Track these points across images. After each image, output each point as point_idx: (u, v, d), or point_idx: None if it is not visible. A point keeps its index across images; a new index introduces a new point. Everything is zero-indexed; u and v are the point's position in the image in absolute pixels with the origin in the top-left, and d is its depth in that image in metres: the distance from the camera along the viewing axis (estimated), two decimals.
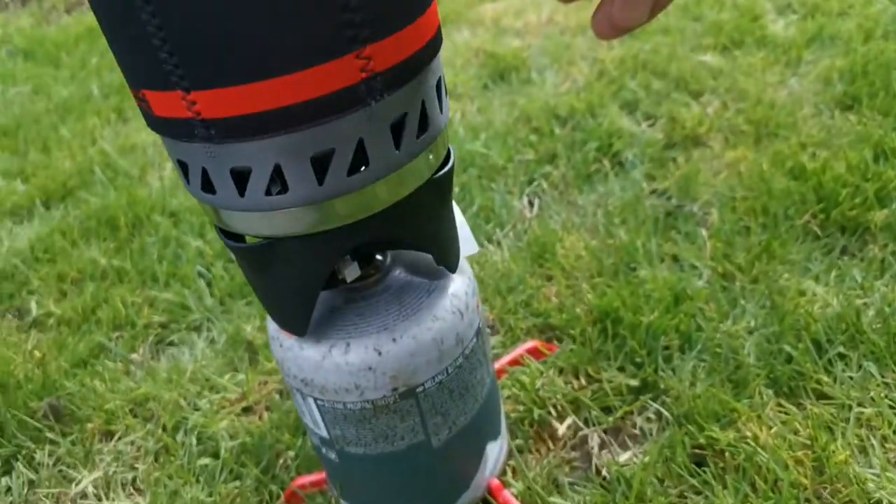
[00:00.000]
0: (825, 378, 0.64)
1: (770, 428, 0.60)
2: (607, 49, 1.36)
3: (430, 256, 0.52)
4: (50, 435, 0.74)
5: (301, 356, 0.49)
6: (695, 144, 1.03)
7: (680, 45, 1.32)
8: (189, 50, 0.33)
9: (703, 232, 0.84)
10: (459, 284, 0.52)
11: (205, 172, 0.39)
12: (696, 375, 0.66)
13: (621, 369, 0.69)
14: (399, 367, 0.48)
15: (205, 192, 0.40)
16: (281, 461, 0.68)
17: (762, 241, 0.79)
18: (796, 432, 0.60)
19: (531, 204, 0.97)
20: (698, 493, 0.57)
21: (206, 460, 0.68)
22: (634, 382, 0.67)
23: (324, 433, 0.53)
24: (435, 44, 0.40)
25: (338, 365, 0.48)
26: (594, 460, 0.62)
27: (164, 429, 0.73)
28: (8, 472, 0.72)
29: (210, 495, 0.65)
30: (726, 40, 1.32)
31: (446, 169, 0.45)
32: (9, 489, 0.70)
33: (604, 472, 0.60)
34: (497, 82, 1.34)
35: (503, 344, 0.75)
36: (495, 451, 0.60)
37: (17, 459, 0.73)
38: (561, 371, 0.71)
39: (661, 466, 0.59)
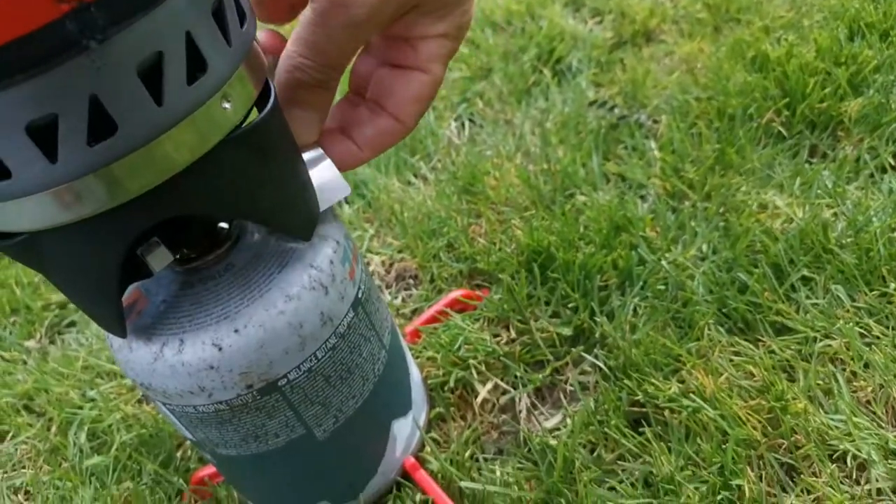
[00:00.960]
0: (785, 308, 0.55)
1: (720, 375, 0.52)
2: None
3: None
4: None
5: (132, 359, 0.41)
6: (646, 41, 0.91)
7: None
8: None
9: (652, 144, 0.74)
10: (323, 253, 0.42)
11: None
12: (637, 319, 0.57)
13: (555, 316, 0.60)
14: (248, 363, 0.39)
15: None
16: (181, 452, 0.61)
17: (716, 149, 0.69)
18: (751, 376, 0.52)
19: (462, 128, 0.86)
20: (636, 456, 0.49)
21: (97, 459, 0.61)
22: (567, 331, 0.58)
23: (189, 436, 0.45)
24: None
25: (173, 366, 0.39)
26: (522, 426, 0.54)
27: (55, 426, 0.65)
28: None
29: (98, 500, 0.58)
30: None
31: (261, 116, 0.35)
32: None
33: (529, 443, 0.53)
34: None
35: (426, 297, 0.66)
36: (406, 429, 0.52)
37: None
38: (489, 322, 0.62)
39: (595, 430, 0.51)
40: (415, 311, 0.66)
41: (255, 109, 0.35)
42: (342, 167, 0.41)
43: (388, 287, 0.70)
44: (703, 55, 0.84)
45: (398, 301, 0.67)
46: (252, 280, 0.41)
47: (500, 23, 1.01)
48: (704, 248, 0.61)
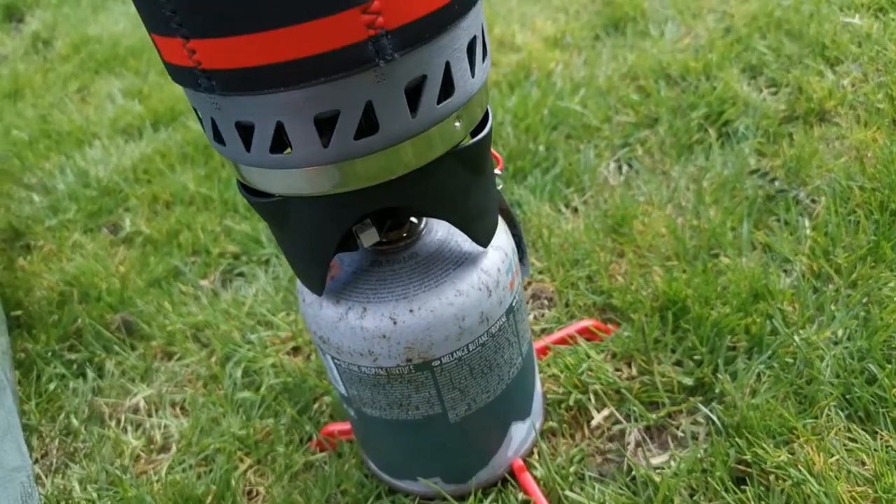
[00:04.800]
0: None
1: (831, 455, 0.53)
2: (740, 2, 1.22)
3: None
4: (120, 347, 0.79)
5: (320, 314, 0.48)
6: (819, 120, 0.92)
7: (826, 3, 1.17)
8: None
9: (806, 222, 0.75)
10: (492, 260, 0.48)
11: (213, 123, 0.38)
12: (759, 384, 0.60)
13: (678, 364, 0.64)
14: (414, 340, 0.46)
15: (216, 143, 0.39)
16: (317, 405, 0.69)
17: (872, 241, 0.70)
18: (862, 464, 0.53)
19: (619, 171, 0.91)
20: None
21: (247, 394, 0.70)
22: (688, 381, 0.61)
23: (343, 391, 0.53)
24: (462, 2, 0.36)
25: (353, 328, 0.47)
26: (627, 457, 0.58)
27: (216, 358, 0.75)
28: (80, 375, 0.78)
29: (244, 428, 0.66)
30: (885, 0, 1.15)
31: (478, 138, 0.42)
32: (75, 391, 0.75)
33: (634, 473, 0.56)
34: (610, 33, 1.24)
35: (558, 319, 0.71)
36: (521, 432, 0.58)
37: (90, 365, 0.78)
38: (613, 356, 0.66)
39: (697, 477, 0.54)
40: (544, 331, 0.71)
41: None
42: None
43: None
44: (875, 145, 0.84)
45: (531, 318, 0.73)
46: (430, 271, 0.48)
47: (674, 77, 1.04)
48: (840, 332, 0.62)
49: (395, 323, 0.46)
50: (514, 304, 0.51)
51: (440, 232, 0.50)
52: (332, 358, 0.50)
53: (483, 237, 0.47)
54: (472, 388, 0.51)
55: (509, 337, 0.51)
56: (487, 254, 0.48)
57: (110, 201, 1.05)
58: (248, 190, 0.42)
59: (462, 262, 0.48)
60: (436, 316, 0.46)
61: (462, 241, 0.49)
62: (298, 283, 0.51)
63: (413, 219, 0.51)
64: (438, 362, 0.48)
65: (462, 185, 0.43)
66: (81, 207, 1.05)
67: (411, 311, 0.46)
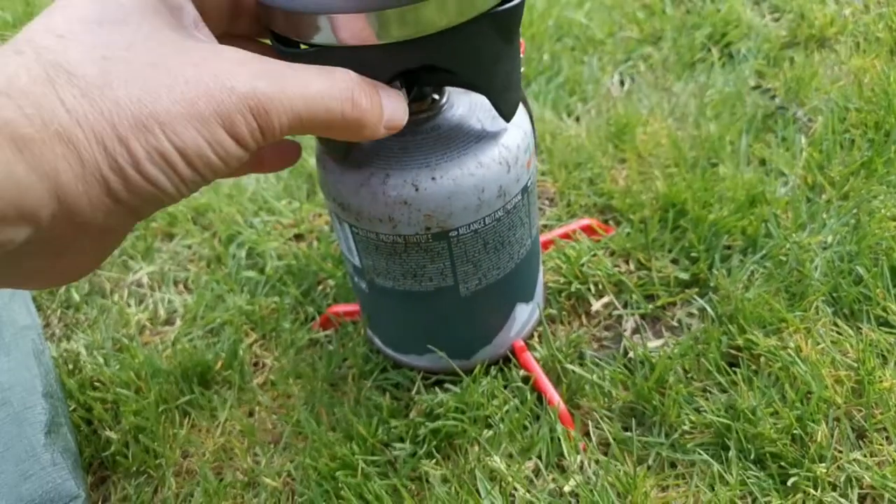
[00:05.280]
0: (893, 306, 0.59)
1: (818, 344, 0.57)
2: None
3: (488, 106, 0.50)
4: None
5: (341, 180, 0.49)
6: (819, 46, 0.93)
7: None
8: None
9: (803, 139, 0.77)
10: (513, 136, 0.49)
11: None
12: (752, 280, 0.62)
13: (675, 262, 0.66)
14: (434, 207, 0.47)
15: None
16: (320, 288, 0.70)
17: (865, 157, 0.72)
18: (845, 353, 0.56)
19: (622, 84, 0.91)
20: (724, 391, 0.55)
21: (251, 273, 0.71)
22: (684, 276, 0.64)
23: (357, 261, 0.54)
24: None
25: (375, 194, 0.48)
26: (624, 342, 0.61)
27: (219, 239, 0.76)
28: None
29: (250, 304, 0.68)
30: None
31: (514, 4, 0.42)
32: None
33: (630, 354, 0.59)
34: None
35: (559, 217, 0.73)
36: (524, 315, 0.60)
37: None
38: (612, 253, 0.68)
39: (690, 359, 0.57)
40: (545, 227, 0.73)
41: None
42: None
43: None
44: (873, 71, 0.86)
45: None
46: (452, 143, 0.49)
47: None
48: (830, 238, 0.65)
49: (416, 189, 0.47)
50: (528, 185, 0.52)
51: (461, 108, 0.51)
52: (351, 226, 0.51)
53: (507, 110, 0.48)
54: (484, 263, 0.52)
55: (522, 216, 0.53)
56: (508, 130, 0.49)
57: None
58: (279, 40, 0.42)
59: (483, 137, 0.49)
60: (457, 185, 0.47)
61: (482, 118, 0.50)
62: (317, 150, 0.52)
63: (435, 95, 0.51)
64: (455, 233, 0.49)
65: (493, 52, 0.43)
66: None
67: (433, 178, 0.47)
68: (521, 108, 0.52)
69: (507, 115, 0.48)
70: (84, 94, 0.25)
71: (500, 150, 0.48)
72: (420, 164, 0.48)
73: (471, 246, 0.51)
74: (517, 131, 0.50)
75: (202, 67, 0.28)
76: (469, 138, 0.49)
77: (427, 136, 0.49)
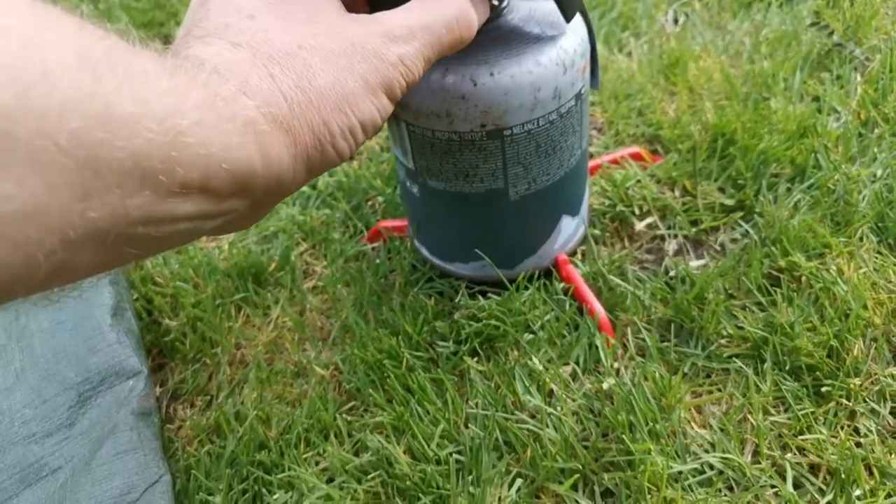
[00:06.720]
0: None
1: (860, 268, 0.57)
2: None
3: (546, 13, 0.51)
4: None
5: None
6: None
7: None
8: None
9: (858, 77, 0.77)
10: (570, 40, 0.50)
11: None
12: (798, 207, 0.63)
13: (721, 190, 0.67)
14: (491, 103, 0.49)
15: None
16: (369, 204, 0.72)
17: None
18: (888, 280, 0.57)
19: (676, 21, 0.91)
20: (763, 309, 0.56)
21: (304, 187, 0.73)
22: (730, 202, 0.64)
23: (410, 164, 0.56)
24: None
25: (433, 89, 0.49)
26: (666, 261, 0.62)
27: None
28: None
29: (303, 214, 0.70)
30: None
31: None
32: None
33: (672, 273, 0.60)
34: None
35: (606, 146, 0.74)
36: (570, 228, 0.61)
37: None
38: (658, 181, 0.69)
39: (731, 278, 0.58)
40: (592, 155, 0.73)
41: None
42: None
43: None
44: None
45: None
46: (511, 43, 0.50)
47: None
48: (880, 172, 0.65)
49: (475, 84, 0.48)
50: (582, 92, 0.53)
51: (521, 13, 0.52)
52: (407, 125, 0.53)
53: (569, 9, 0.48)
54: (534, 167, 0.54)
55: (574, 123, 0.54)
56: (566, 34, 0.50)
57: (162, 14, 1.06)
58: None
59: (541, 38, 0.50)
60: (515, 82, 0.48)
61: (541, 22, 0.51)
62: None
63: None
64: (510, 131, 0.51)
65: None
66: (132, 19, 1.05)
67: (492, 74, 0.48)
68: (578, 16, 0.53)
69: (568, 15, 0.49)
70: (297, 84, 0.30)
71: (558, 51, 0.49)
72: (479, 60, 0.49)
73: (523, 147, 0.52)
74: (574, 36, 0.51)
75: (366, 46, 0.33)
76: (528, 39, 0.50)
77: (486, 37, 0.50)
